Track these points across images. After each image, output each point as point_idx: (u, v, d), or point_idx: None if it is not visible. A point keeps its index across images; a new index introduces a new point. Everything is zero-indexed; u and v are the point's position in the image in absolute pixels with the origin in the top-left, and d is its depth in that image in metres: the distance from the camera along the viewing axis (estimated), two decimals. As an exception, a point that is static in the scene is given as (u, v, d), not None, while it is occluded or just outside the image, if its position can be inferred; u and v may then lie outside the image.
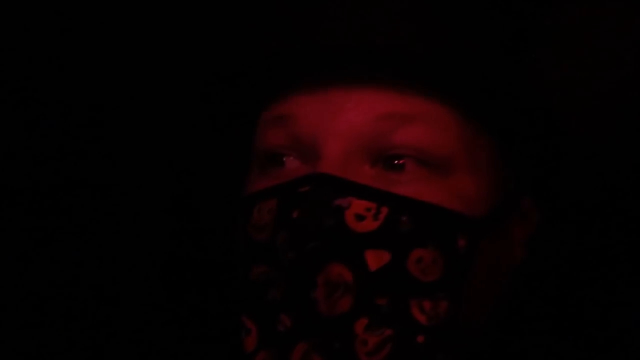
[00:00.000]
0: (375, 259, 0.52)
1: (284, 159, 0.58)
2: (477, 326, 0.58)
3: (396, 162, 0.55)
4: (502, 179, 0.59)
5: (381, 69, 0.55)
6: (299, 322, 0.52)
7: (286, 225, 0.53)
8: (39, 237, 0.77)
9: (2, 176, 0.77)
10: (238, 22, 0.60)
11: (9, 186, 0.77)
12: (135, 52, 0.76)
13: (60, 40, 0.77)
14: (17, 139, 0.77)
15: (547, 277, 0.66)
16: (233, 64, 0.61)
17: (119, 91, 0.78)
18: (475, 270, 0.55)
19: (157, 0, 0.75)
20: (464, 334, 0.56)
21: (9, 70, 0.77)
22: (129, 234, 0.77)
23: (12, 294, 0.76)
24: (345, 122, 0.55)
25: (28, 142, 0.77)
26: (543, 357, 0.64)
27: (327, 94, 0.56)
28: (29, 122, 0.78)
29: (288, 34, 0.57)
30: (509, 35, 0.58)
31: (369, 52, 0.55)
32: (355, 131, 0.55)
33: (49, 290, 0.77)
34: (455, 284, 0.54)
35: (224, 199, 0.71)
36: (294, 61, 0.57)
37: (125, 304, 0.77)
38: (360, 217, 0.52)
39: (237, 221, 0.60)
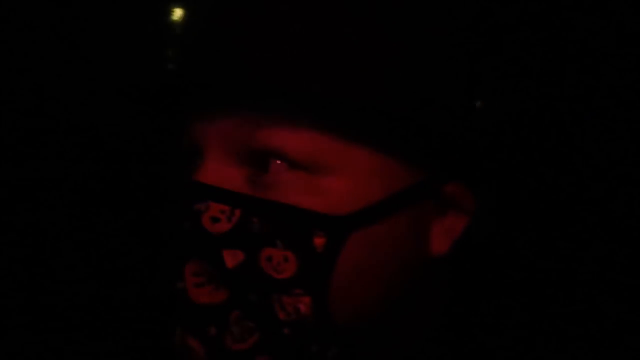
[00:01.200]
0: (230, 258, 0.55)
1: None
2: (372, 318, 0.57)
3: (262, 161, 0.56)
4: (393, 171, 0.57)
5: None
6: (172, 311, 0.57)
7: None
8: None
9: None
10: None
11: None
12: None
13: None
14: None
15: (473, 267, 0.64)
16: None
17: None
18: (352, 265, 0.55)
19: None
20: (352, 326, 0.56)
21: None
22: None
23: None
24: (216, 129, 0.57)
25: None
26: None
27: (211, 126, 0.58)
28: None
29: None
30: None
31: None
32: (223, 137, 0.56)
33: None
34: (316, 280, 0.54)
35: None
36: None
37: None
38: (215, 219, 0.55)
39: None
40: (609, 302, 0.65)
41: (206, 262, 0.55)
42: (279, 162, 0.55)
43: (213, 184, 0.56)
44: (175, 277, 0.56)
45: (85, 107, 0.76)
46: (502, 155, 0.62)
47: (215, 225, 0.55)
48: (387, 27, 0.55)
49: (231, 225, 0.55)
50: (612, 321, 0.64)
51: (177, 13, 0.63)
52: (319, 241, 0.54)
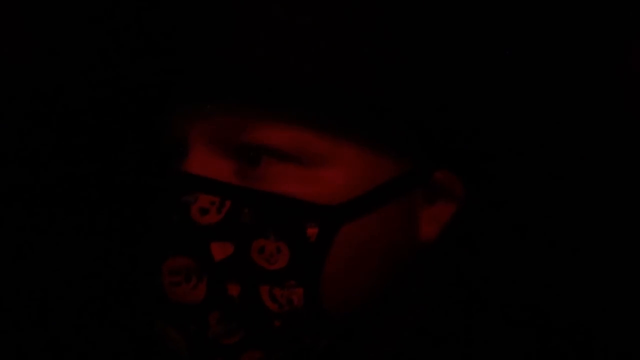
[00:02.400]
0: (219, 250, 0.54)
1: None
2: (363, 307, 0.57)
3: (251, 154, 0.55)
4: (382, 161, 0.57)
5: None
6: (147, 304, 0.57)
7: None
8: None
9: None
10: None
11: None
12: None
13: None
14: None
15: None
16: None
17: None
18: (344, 255, 0.55)
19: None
20: (343, 316, 0.56)
21: None
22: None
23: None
24: (203, 121, 0.56)
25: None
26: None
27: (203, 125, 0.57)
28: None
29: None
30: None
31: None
32: (213, 126, 0.55)
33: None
34: (309, 271, 0.54)
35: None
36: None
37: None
38: (204, 211, 0.54)
39: None
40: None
41: (189, 257, 0.54)
42: (268, 154, 0.54)
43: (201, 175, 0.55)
44: (152, 272, 0.55)
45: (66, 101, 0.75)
46: (490, 141, 0.62)
47: (205, 217, 0.54)
48: (374, 22, 0.55)
49: (221, 217, 0.54)
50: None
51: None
52: (311, 231, 0.53)
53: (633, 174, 0.69)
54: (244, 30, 0.54)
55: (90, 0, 0.76)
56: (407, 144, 0.57)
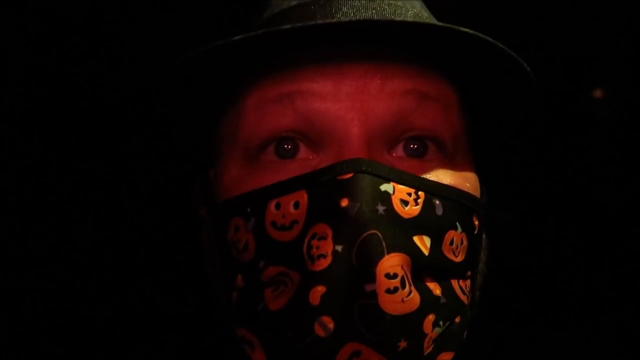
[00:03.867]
0: (423, 244, 0.50)
1: (296, 146, 0.52)
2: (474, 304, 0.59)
3: (412, 145, 0.53)
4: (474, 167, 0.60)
5: (392, 48, 0.53)
6: (348, 321, 0.47)
7: (330, 216, 0.48)
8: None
9: None
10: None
11: None
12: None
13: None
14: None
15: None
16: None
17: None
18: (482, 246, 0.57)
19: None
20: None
21: None
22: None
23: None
24: (367, 101, 0.52)
25: None
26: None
27: (340, 72, 0.52)
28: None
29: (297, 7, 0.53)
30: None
31: (375, 27, 0.51)
32: (378, 111, 0.52)
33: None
34: (475, 263, 0.55)
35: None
36: (303, 32, 0.50)
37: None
38: (405, 203, 0.50)
39: (232, 222, 0.53)
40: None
41: (403, 254, 0.48)
42: (434, 146, 0.53)
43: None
44: (365, 277, 0.47)
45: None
46: (508, 150, 0.69)
47: (406, 209, 0.50)
48: None
49: (420, 208, 0.50)
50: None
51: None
52: (476, 223, 0.54)
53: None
54: None
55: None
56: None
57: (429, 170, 0.53)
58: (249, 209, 0.52)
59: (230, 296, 0.53)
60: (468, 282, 0.54)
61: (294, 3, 0.55)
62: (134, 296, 0.69)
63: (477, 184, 0.57)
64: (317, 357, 0.47)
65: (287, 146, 0.53)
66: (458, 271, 0.53)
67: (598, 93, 0.72)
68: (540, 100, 0.55)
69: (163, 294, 0.69)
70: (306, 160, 0.52)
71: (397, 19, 0.53)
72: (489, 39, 0.50)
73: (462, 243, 0.53)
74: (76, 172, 0.68)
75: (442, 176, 0.53)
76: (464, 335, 0.54)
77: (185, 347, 0.64)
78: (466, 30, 0.49)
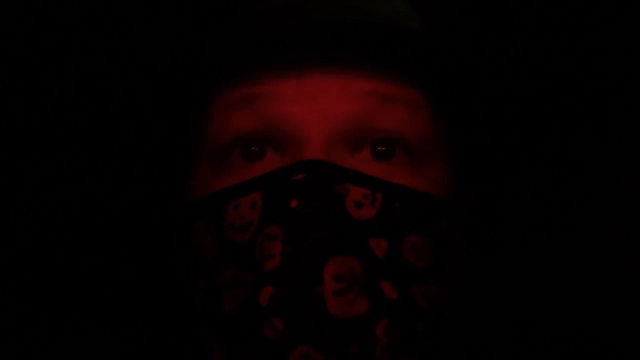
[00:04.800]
0: (378, 247, 0.50)
1: (255, 151, 0.53)
2: (449, 309, 0.57)
3: (379, 148, 0.53)
4: (454, 164, 0.59)
5: (354, 51, 0.53)
6: (297, 324, 0.47)
7: (280, 217, 0.48)
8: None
9: None
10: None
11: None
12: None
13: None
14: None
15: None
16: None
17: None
18: (452, 250, 0.55)
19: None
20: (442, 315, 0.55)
21: None
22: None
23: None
24: (328, 102, 0.52)
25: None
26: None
27: (302, 75, 0.52)
28: None
29: (260, 10, 0.53)
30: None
31: (338, 30, 0.52)
32: (340, 111, 0.52)
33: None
34: (442, 268, 0.53)
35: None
36: (265, 38, 0.53)
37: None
38: (358, 204, 0.50)
39: (196, 225, 0.54)
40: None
41: (353, 257, 0.48)
42: (400, 149, 0.53)
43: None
44: (311, 279, 0.47)
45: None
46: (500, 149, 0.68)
47: (360, 211, 0.49)
48: None
49: (375, 211, 0.50)
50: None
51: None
52: (444, 227, 0.53)
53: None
54: None
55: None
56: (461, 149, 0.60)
57: (394, 173, 0.52)
58: (210, 212, 0.52)
59: (194, 297, 0.54)
60: (433, 287, 0.52)
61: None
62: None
63: (450, 188, 0.56)
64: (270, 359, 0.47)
65: (255, 148, 0.53)
66: (419, 276, 0.51)
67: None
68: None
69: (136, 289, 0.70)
70: (272, 163, 0.52)
71: (356, 19, 0.52)
72: (431, 35, 0.51)
73: (425, 248, 0.52)
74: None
75: (407, 179, 0.53)
76: (429, 344, 0.52)
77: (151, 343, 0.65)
78: (412, 28, 0.51)
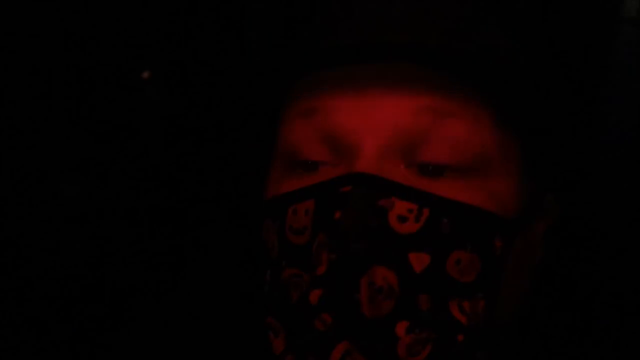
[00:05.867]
0: (417, 262, 0.52)
1: (315, 161, 0.56)
2: (508, 323, 0.58)
3: (431, 168, 0.54)
4: (528, 178, 0.59)
5: (415, 66, 0.55)
6: (341, 321, 0.52)
7: (327, 226, 0.52)
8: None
9: None
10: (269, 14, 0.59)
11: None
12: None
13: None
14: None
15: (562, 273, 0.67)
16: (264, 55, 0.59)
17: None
18: (508, 270, 0.55)
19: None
20: (498, 331, 0.57)
21: None
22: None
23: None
24: (382, 116, 0.54)
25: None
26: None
27: (360, 88, 0.55)
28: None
29: (322, 28, 0.56)
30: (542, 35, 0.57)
31: (395, 48, 0.54)
32: (393, 126, 0.54)
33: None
34: (492, 284, 0.54)
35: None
36: (325, 54, 0.56)
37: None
38: (402, 219, 0.52)
39: (265, 222, 0.59)
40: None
41: (389, 269, 0.51)
42: (455, 163, 0.53)
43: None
44: (350, 287, 0.51)
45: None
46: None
47: (403, 225, 0.52)
48: None
49: (420, 226, 0.52)
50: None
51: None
52: (498, 244, 0.54)
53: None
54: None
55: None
56: (538, 161, 0.60)
57: (447, 187, 0.53)
58: (274, 212, 0.58)
59: (262, 287, 0.60)
60: (478, 302, 0.53)
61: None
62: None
63: (517, 201, 0.56)
64: (318, 350, 0.53)
65: (313, 158, 0.57)
66: (462, 291, 0.53)
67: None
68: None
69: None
70: (327, 172, 0.56)
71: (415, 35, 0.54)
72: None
73: (472, 263, 0.53)
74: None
75: (461, 193, 0.53)
76: (476, 356, 0.54)
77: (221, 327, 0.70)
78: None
